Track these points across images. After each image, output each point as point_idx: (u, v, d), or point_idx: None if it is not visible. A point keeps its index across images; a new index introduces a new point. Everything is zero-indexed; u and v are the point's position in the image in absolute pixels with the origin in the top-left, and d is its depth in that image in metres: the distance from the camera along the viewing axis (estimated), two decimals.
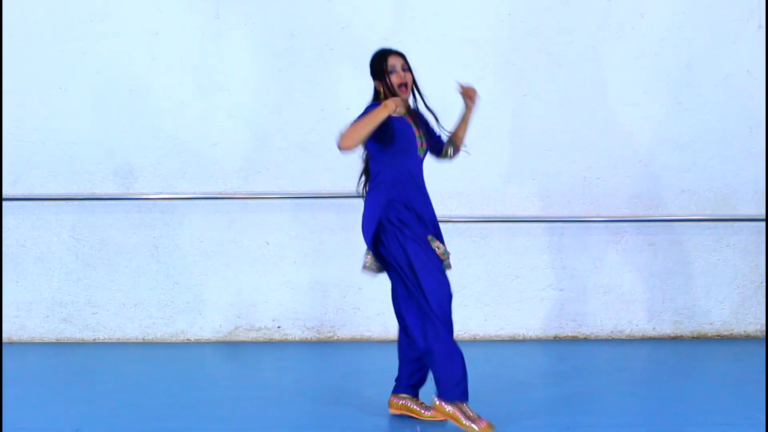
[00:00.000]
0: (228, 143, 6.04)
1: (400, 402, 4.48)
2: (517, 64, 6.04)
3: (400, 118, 4.26)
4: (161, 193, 6.09)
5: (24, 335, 6.22)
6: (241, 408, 4.58)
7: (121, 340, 6.22)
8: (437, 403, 4.17)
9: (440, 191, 6.06)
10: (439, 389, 4.16)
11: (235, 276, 6.12)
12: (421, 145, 4.33)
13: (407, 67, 4.27)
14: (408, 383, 4.50)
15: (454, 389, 4.12)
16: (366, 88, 6.02)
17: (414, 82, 4.32)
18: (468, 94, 4.48)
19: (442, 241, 4.34)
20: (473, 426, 4.06)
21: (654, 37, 6.03)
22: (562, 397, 4.79)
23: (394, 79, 4.22)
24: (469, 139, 6.02)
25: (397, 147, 4.21)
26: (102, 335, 6.22)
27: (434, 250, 4.22)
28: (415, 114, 4.40)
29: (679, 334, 6.21)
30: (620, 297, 6.18)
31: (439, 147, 4.56)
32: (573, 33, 6.02)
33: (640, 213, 6.11)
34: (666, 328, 6.20)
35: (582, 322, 6.19)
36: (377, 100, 4.33)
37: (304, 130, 6.05)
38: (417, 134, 4.32)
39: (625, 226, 6.13)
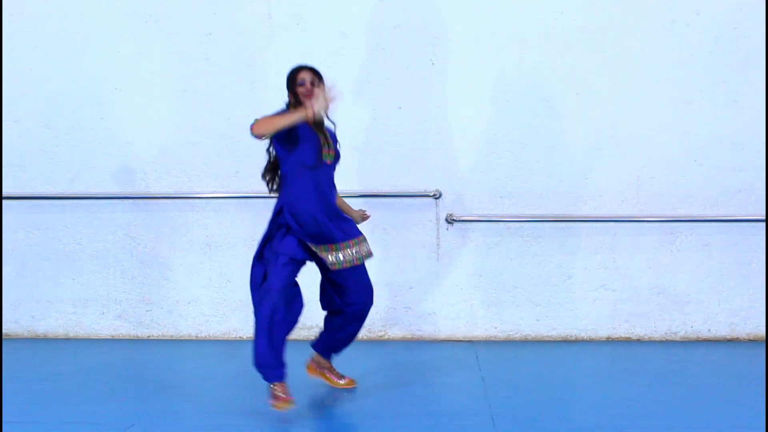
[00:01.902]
0: None
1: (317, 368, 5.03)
2: (569, 63, 5.99)
3: (307, 128, 4.53)
4: (214, 191, 6.16)
5: (80, 331, 6.33)
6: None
7: (174, 338, 6.29)
8: None
9: (491, 190, 6.05)
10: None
11: None
12: (328, 152, 4.62)
13: (316, 82, 4.56)
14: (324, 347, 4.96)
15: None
16: (417, 87, 6.08)
17: None
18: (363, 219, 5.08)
19: (336, 240, 4.60)
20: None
21: (710, 35, 5.94)
22: (615, 399, 4.74)
23: (300, 90, 4.54)
24: (522, 137, 6.04)
25: (299, 154, 4.52)
26: (156, 332, 6.30)
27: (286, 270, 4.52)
28: (323, 128, 4.67)
29: (735, 337, 6.11)
30: (674, 298, 6.10)
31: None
32: (626, 31, 5.95)
33: (695, 213, 6.03)
34: (722, 330, 6.11)
35: (635, 324, 6.12)
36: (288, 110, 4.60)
37: (356, 130, 6.06)
38: (323, 142, 4.59)
39: (680, 226, 6.05)
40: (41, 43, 6.20)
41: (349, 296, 4.74)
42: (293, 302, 4.58)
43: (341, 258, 4.59)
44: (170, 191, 6.20)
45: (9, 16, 6.21)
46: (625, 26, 5.96)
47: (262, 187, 6.01)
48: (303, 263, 4.61)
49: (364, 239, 4.75)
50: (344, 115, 5.98)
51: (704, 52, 5.95)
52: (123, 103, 6.20)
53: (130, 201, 6.22)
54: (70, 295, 6.31)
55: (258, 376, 4.49)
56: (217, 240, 6.21)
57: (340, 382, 5.02)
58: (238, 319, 6.25)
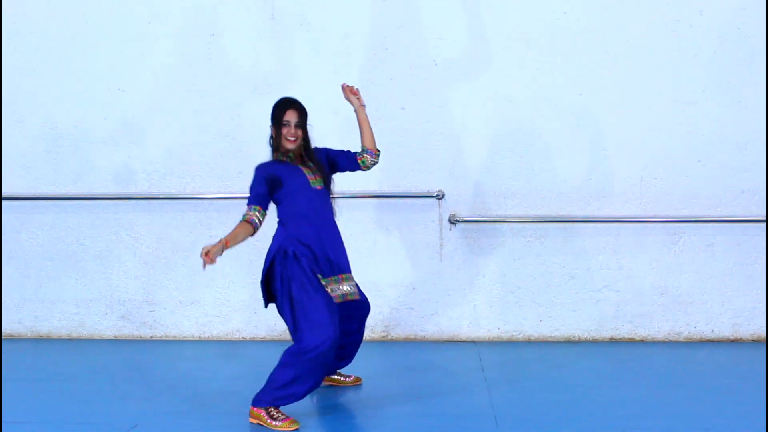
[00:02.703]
0: None
1: None
2: (573, 63, 5.99)
3: (285, 165, 4.61)
4: (217, 192, 6.16)
5: (83, 332, 6.33)
6: (295, 406, 4.60)
7: (177, 338, 6.29)
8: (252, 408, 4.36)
9: (495, 191, 6.05)
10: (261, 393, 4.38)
11: None
12: (314, 179, 4.63)
13: (300, 124, 4.60)
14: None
15: (273, 395, 4.32)
16: (419, 89, 6.07)
17: (305, 138, 4.65)
18: (352, 93, 4.94)
19: (344, 270, 4.62)
20: (278, 424, 4.25)
21: (713, 35, 5.93)
22: (617, 399, 4.73)
23: (284, 131, 4.59)
24: (525, 138, 6.03)
25: (287, 188, 4.54)
26: (159, 332, 6.31)
27: (322, 289, 4.44)
28: (305, 158, 4.69)
29: (739, 337, 6.10)
30: (678, 299, 6.09)
31: (354, 162, 4.89)
32: (630, 31, 5.95)
33: (699, 213, 6.02)
34: (725, 331, 6.10)
35: (638, 324, 6.11)
36: (272, 143, 4.67)
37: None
38: (306, 171, 4.62)
39: (683, 227, 6.04)
40: (45, 44, 6.21)
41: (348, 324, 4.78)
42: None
43: (347, 289, 4.59)
44: (173, 192, 6.21)
45: (13, 17, 6.21)
46: (629, 26, 5.95)
47: None
48: None
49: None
50: (345, 116, 6.00)
51: (708, 52, 5.94)
52: (126, 104, 6.20)
53: (133, 201, 6.22)
54: (74, 295, 6.32)
55: (261, 377, 4.48)
56: None
57: (348, 380, 5.05)
58: (241, 320, 6.26)
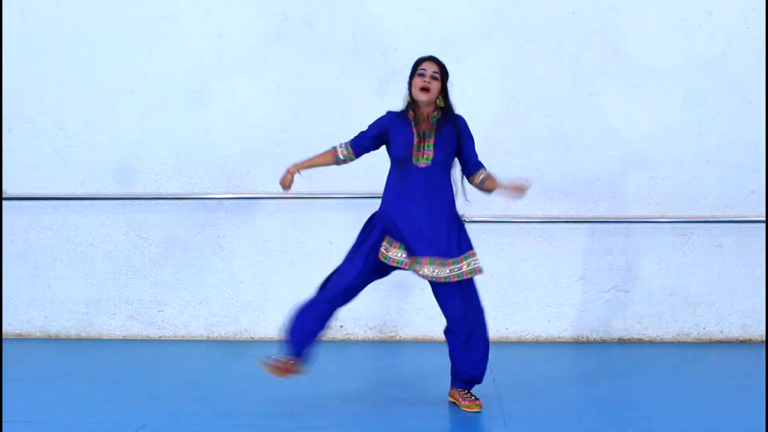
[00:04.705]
0: (292, 144, 6.05)
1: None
2: (581, 63, 5.97)
3: (404, 126, 4.36)
4: (226, 192, 6.16)
5: (92, 332, 6.35)
6: (303, 406, 4.60)
7: (186, 338, 6.30)
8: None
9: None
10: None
11: (299, 275, 6.13)
12: (422, 155, 4.33)
13: (438, 76, 4.34)
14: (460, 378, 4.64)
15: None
16: None
17: (445, 91, 4.40)
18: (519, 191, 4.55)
19: (444, 255, 4.41)
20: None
21: (722, 35, 5.92)
22: (626, 400, 4.73)
23: (417, 81, 4.33)
24: (533, 138, 6.02)
25: (393, 155, 4.40)
26: (167, 332, 6.32)
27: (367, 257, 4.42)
28: (433, 125, 4.39)
29: (748, 338, 6.08)
30: (687, 299, 6.07)
31: (468, 170, 4.57)
32: (639, 31, 5.93)
33: (708, 214, 6.00)
34: (734, 332, 6.08)
35: (647, 325, 6.10)
36: (409, 100, 4.42)
37: None
38: (418, 144, 4.32)
39: (692, 227, 6.03)
40: (54, 45, 6.22)
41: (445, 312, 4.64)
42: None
43: (432, 272, 4.41)
44: (182, 192, 6.21)
45: (21, 17, 6.23)
46: (638, 26, 5.94)
47: (273, 188, 6.04)
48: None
49: (445, 262, 4.41)
50: (354, 117, 5.99)
51: (717, 52, 5.92)
52: (135, 104, 6.21)
53: (142, 202, 6.23)
54: (83, 295, 6.33)
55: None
56: (228, 241, 6.21)
57: (464, 404, 4.55)
58: (249, 320, 6.26)
